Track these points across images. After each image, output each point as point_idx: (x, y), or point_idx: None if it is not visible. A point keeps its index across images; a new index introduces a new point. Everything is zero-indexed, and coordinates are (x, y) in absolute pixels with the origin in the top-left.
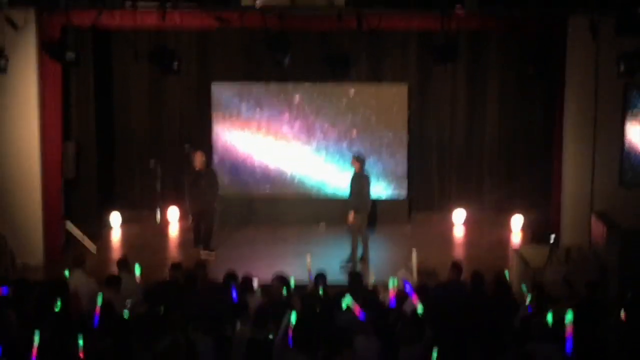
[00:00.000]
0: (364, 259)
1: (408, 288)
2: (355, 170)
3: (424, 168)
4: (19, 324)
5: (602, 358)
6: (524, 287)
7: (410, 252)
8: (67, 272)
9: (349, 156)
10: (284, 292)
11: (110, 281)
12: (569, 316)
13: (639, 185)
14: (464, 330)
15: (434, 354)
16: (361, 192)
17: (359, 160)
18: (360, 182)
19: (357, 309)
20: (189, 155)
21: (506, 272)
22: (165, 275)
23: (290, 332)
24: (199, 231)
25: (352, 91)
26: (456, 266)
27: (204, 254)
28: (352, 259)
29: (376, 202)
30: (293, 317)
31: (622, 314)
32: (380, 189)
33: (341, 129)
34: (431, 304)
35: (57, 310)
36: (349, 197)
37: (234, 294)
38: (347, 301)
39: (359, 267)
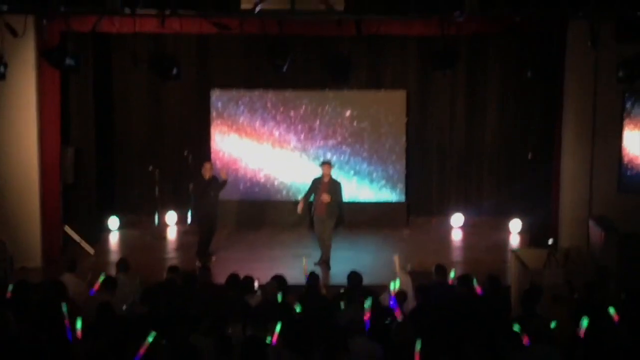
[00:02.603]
0: (324, 261)
1: (392, 302)
2: (329, 177)
3: (422, 172)
4: (17, 325)
5: (601, 359)
6: None
7: (409, 256)
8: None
9: (349, 162)
10: (280, 293)
11: (106, 283)
12: (584, 322)
13: (636, 190)
14: (456, 331)
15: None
16: (337, 199)
17: (332, 167)
18: (338, 188)
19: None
20: (188, 161)
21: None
22: (162, 277)
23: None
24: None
25: (354, 98)
26: (440, 269)
27: (199, 263)
28: (324, 257)
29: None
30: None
31: (614, 314)
32: (379, 193)
33: (340, 135)
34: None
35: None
36: (332, 204)
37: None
38: (367, 303)
39: (318, 269)
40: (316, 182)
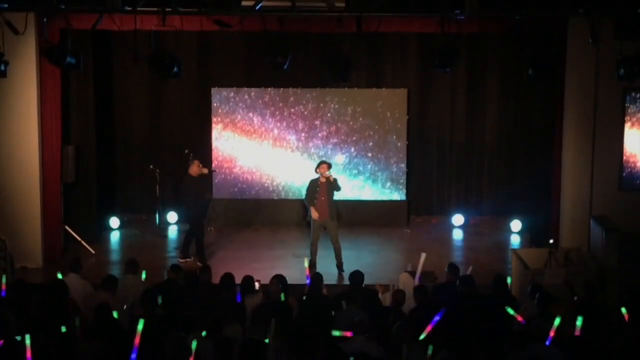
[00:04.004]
0: (337, 265)
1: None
2: (328, 178)
3: (423, 171)
4: (17, 326)
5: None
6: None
7: (410, 255)
8: (59, 275)
9: (350, 161)
10: (282, 293)
11: (106, 283)
12: (578, 321)
13: (637, 189)
14: (463, 331)
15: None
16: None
17: (330, 167)
18: (335, 187)
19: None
20: (189, 159)
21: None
22: (163, 277)
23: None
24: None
25: (355, 96)
26: (453, 268)
27: (191, 261)
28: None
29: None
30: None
31: (625, 314)
32: (379, 193)
33: (341, 134)
34: (429, 306)
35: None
36: (332, 204)
37: (238, 296)
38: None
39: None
40: (314, 184)
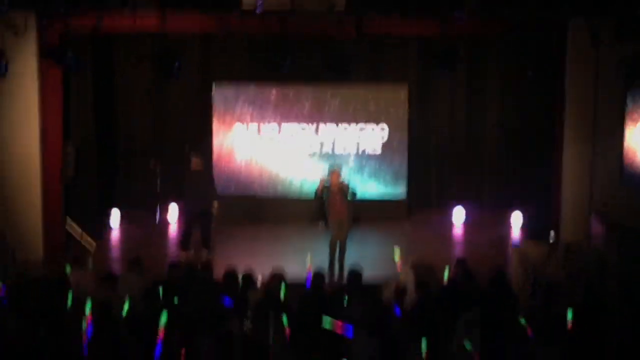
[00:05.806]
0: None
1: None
2: (338, 186)
3: (423, 166)
4: (17, 322)
5: (602, 355)
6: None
7: (410, 251)
8: (68, 268)
9: (351, 157)
10: (282, 289)
11: (106, 279)
12: (569, 314)
13: (638, 184)
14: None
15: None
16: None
17: (341, 173)
18: (349, 190)
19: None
20: (190, 156)
21: None
22: (163, 274)
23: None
24: (190, 234)
25: (356, 92)
26: (461, 263)
27: (205, 254)
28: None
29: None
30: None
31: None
32: (380, 188)
33: (342, 130)
34: (433, 302)
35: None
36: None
37: (226, 299)
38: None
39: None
40: (327, 192)
